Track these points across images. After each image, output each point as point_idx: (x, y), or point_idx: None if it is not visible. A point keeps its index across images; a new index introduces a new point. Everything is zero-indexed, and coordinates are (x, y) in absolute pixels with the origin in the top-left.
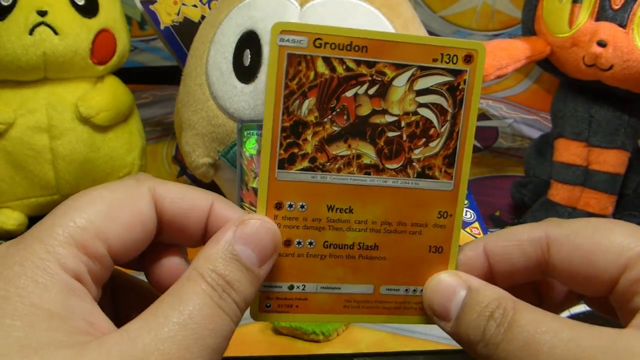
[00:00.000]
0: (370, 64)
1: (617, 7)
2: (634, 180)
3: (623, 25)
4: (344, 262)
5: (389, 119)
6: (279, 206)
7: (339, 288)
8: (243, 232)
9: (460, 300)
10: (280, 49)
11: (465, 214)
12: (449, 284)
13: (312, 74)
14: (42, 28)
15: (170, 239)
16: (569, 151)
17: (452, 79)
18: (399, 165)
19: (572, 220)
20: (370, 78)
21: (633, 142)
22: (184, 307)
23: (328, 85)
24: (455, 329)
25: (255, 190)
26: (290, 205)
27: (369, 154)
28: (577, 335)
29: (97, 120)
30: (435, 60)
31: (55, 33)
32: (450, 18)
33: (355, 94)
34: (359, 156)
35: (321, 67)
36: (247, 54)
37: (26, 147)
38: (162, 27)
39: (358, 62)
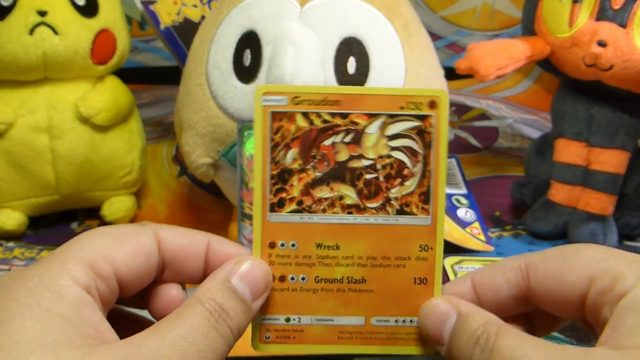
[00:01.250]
0: (344, 115)
1: (617, 7)
2: (634, 180)
3: (623, 25)
4: (335, 295)
5: (365, 162)
6: (272, 245)
7: (332, 320)
8: (239, 270)
9: (452, 325)
10: (264, 109)
11: (466, 214)
12: (441, 309)
13: (293, 127)
14: (42, 28)
15: (172, 277)
16: (569, 151)
17: (419, 123)
18: (379, 204)
19: (547, 249)
20: (345, 128)
21: (633, 142)
22: (184, 324)
23: (308, 136)
24: (448, 353)
25: None
26: (282, 245)
27: (350, 195)
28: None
29: (97, 120)
30: (402, 108)
31: (55, 33)
32: (450, 18)
33: (333, 142)
34: (341, 197)
35: (301, 120)
36: (247, 54)
37: (26, 147)
38: (162, 27)
39: (333, 115)
